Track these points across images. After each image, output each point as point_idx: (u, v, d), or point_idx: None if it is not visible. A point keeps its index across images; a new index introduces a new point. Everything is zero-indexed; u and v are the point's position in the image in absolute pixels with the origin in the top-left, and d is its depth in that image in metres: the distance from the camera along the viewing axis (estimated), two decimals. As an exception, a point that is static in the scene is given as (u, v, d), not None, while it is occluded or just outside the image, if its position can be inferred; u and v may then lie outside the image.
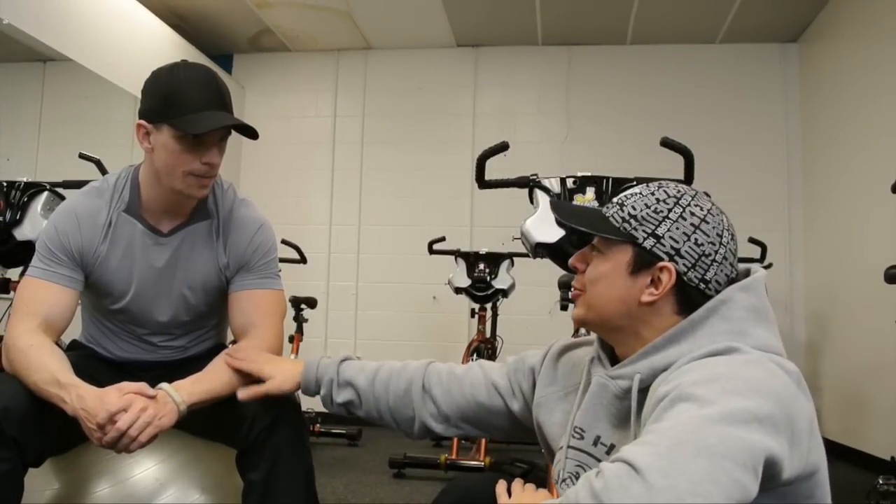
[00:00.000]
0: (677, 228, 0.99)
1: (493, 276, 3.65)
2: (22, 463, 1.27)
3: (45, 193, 2.38)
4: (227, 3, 4.62)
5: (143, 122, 1.44)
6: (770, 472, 0.80)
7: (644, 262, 1.00)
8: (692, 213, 1.00)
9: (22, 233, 2.33)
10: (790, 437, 0.82)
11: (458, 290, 3.74)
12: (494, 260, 3.67)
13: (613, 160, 4.74)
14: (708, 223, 1.00)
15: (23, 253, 2.32)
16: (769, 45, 4.95)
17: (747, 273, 1.03)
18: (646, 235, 1.00)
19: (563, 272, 2.33)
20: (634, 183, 1.99)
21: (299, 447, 1.35)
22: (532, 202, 2.04)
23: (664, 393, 0.87)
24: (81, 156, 2.54)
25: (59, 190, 2.41)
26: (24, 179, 2.38)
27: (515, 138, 2.20)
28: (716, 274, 0.99)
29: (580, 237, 1.93)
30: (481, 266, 3.65)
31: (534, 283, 3.89)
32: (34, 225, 2.32)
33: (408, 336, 5.08)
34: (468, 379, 1.27)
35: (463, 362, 3.43)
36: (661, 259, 0.99)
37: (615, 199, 1.06)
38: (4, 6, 3.15)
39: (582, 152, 4.96)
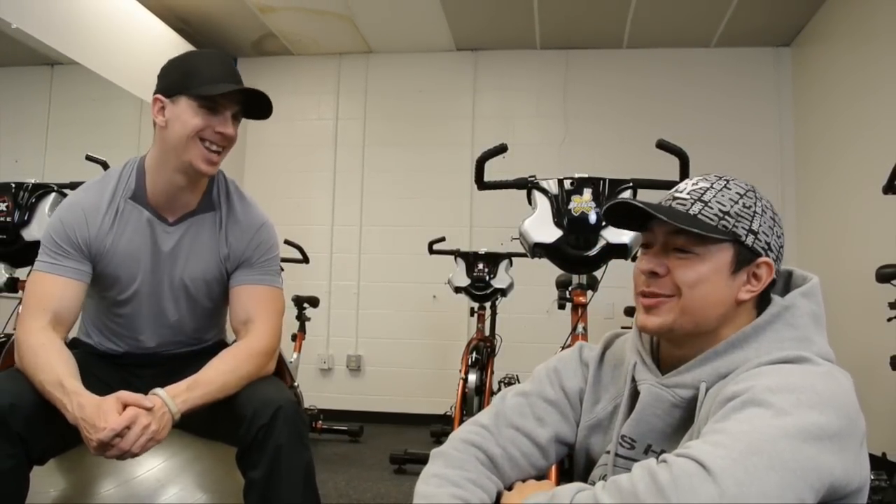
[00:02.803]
0: (765, 222, 0.97)
1: (492, 276, 3.64)
2: (27, 459, 1.27)
3: (53, 194, 2.37)
4: (230, 7, 4.62)
5: (159, 96, 1.46)
6: (832, 492, 0.80)
7: (745, 259, 0.95)
8: (766, 207, 0.98)
9: (30, 233, 2.32)
10: (854, 453, 0.82)
11: (457, 290, 3.74)
12: (493, 260, 3.67)
13: (610, 161, 4.74)
14: (777, 215, 0.99)
15: (31, 253, 2.29)
16: (763, 49, 4.95)
17: (790, 274, 1.01)
18: (745, 232, 0.95)
19: (560, 272, 2.33)
20: (631, 184, 1.98)
21: (298, 444, 1.34)
22: (530, 203, 2.03)
23: (733, 393, 0.84)
24: (88, 157, 2.54)
25: (67, 191, 2.41)
26: (32, 181, 2.38)
27: (514, 140, 2.20)
28: (781, 265, 0.99)
29: (578, 238, 1.93)
30: (480, 266, 3.64)
31: (532, 282, 3.89)
32: (42, 225, 2.32)
33: (408, 334, 5.08)
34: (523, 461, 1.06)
35: (463, 359, 3.43)
36: (760, 255, 0.95)
37: (686, 196, 0.98)
38: (13, 11, 3.15)
39: (579, 154, 4.96)
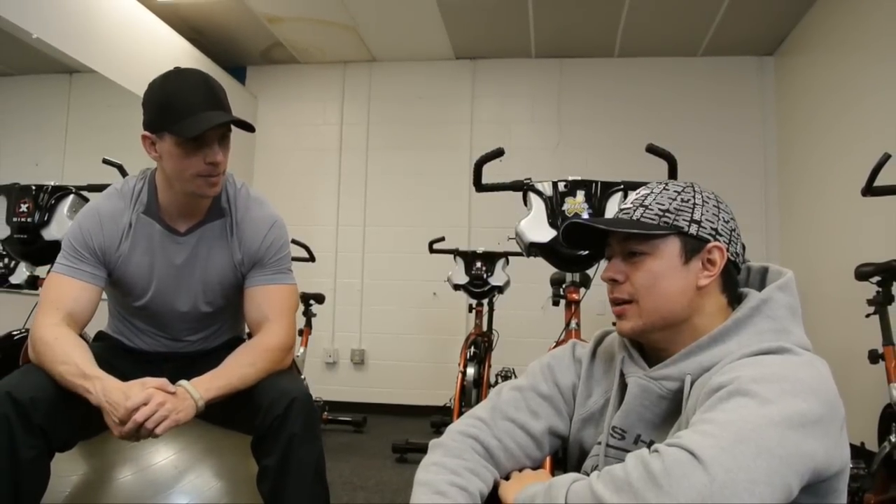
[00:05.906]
0: (707, 211, 0.98)
1: (489, 274, 3.64)
2: (48, 449, 1.27)
3: (71, 196, 2.37)
4: (240, 18, 4.62)
5: (146, 133, 1.43)
6: (815, 475, 0.80)
7: (693, 248, 0.97)
8: (708, 198, 1.00)
9: (49, 233, 2.32)
10: (835, 437, 0.82)
11: (456, 287, 3.74)
12: (491, 259, 3.67)
13: (602, 165, 4.74)
14: (721, 203, 1.01)
15: (50, 252, 2.31)
16: (747, 58, 4.95)
17: (766, 269, 1.03)
18: (687, 222, 0.97)
19: (554, 270, 2.33)
20: (622, 186, 1.98)
21: (310, 434, 1.34)
22: (526, 204, 2.04)
23: (719, 384, 0.84)
24: (105, 161, 2.53)
25: (84, 193, 2.41)
26: (52, 183, 2.38)
27: (510, 144, 2.20)
28: (739, 247, 1.00)
29: (571, 239, 1.93)
30: (478, 264, 3.64)
31: (528, 280, 3.89)
32: (61, 226, 2.32)
33: (410, 329, 5.08)
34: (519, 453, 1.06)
35: (461, 353, 3.43)
36: (708, 240, 0.97)
37: (630, 205, 1.02)
38: (34, 22, 3.15)
39: (573, 157, 4.96)
